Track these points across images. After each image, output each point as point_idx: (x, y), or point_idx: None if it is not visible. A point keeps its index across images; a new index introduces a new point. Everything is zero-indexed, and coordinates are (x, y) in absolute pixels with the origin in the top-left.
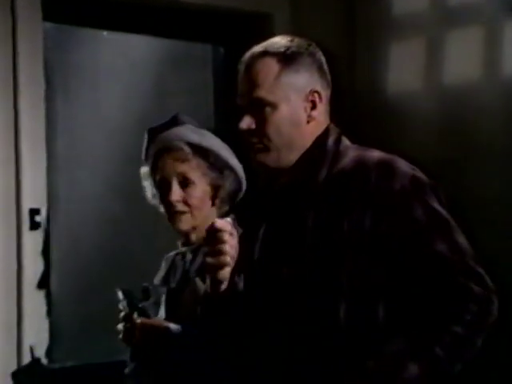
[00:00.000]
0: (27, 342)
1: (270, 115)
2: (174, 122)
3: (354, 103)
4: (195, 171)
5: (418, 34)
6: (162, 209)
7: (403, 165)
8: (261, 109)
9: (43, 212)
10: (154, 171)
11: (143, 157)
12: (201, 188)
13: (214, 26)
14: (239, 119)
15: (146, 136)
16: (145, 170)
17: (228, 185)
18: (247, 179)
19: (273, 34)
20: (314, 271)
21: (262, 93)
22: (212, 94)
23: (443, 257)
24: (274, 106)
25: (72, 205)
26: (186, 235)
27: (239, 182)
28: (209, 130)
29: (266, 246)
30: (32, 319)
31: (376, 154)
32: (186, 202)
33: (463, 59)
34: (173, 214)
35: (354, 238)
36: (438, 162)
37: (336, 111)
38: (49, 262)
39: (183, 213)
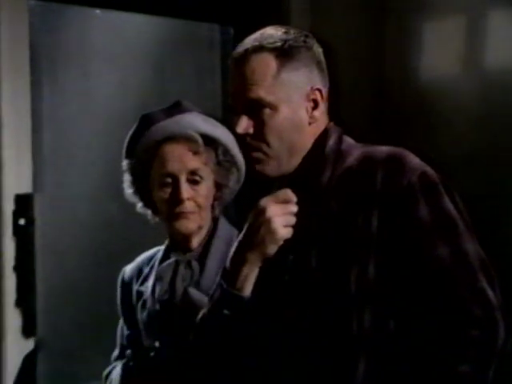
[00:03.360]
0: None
1: (270, 118)
2: (177, 107)
3: (383, 93)
4: (206, 167)
5: (456, 13)
6: (142, 206)
7: (413, 160)
8: (259, 111)
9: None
10: (148, 164)
11: (128, 145)
12: (208, 186)
13: (222, 3)
14: (234, 121)
15: (139, 122)
16: (131, 161)
17: (232, 185)
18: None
19: (289, 14)
20: (320, 279)
21: (261, 93)
22: (220, 81)
23: (442, 264)
24: (273, 108)
25: (61, 206)
26: (186, 239)
27: (239, 183)
28: (217, 121)
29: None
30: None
31: (384, 149)
32: (195, 201)
33: (507, 40)
34: (178, 214)
35: (361, 242)
36: (478, 155)
37: (361, 103)
38: (33, 271)
39: (192, 213)
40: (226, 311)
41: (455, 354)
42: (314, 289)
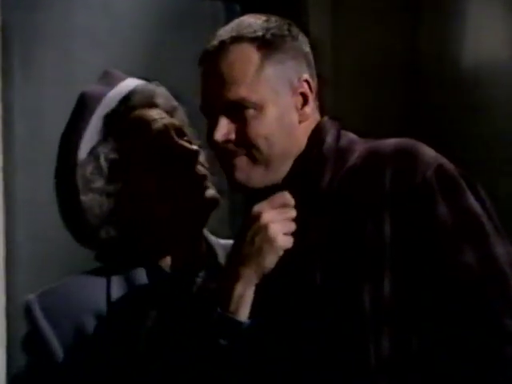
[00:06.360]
0: None
1: (255, 119)
2: (112, 76)
3: (418, 81)
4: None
5: None
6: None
7: (426, 151)
8: (241, 112)
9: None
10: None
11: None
12: None
13: None
14: (209, 125)
15: (82, 101)
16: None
17: None
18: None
19: None
20: (327, 300)
21: (242, 91)
22: None
23: (469, 272)
24: (258, 108)
25: (35, 212)
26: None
27: None
28: None
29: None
30: None
31: (392, 142)
32: None
33: None
34: None
35: (372, 254)
36: None
37: (395, 96)
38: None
39: None
40: (221, 341)
41: (488, 374)
42: (321, 312)
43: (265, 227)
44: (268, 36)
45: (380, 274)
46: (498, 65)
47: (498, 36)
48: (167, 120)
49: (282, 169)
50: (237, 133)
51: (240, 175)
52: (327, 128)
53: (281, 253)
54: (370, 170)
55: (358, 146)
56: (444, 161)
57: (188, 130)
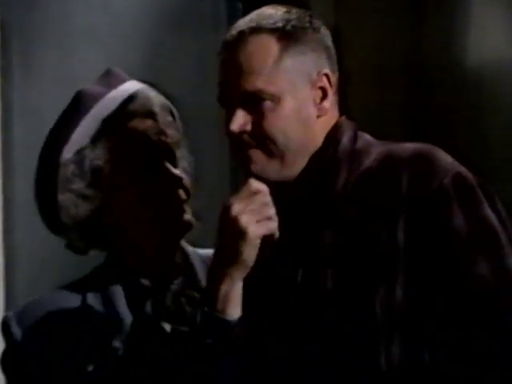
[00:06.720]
0: None
1: (272, 111)
2: (113, 76)
3: (421, 80)
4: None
5: None
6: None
7: (444, 158)
8: (258, 104)
9: None
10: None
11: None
12: None
13: None
14: (226, 118)
15: (77, 99)
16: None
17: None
18: None
19: None
20: (337, 304)
21: (260, 83)
22: None
23: (482, 283)
24: (276, 100)
25: (34, 213)
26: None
27: None
28: (222, 112)
29: (269, 277)
30: None
31: (409, 147)
32: None
33: None
34: None
35: (385, 259)
36: None
37: (394, 93)
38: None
39: None
40: (208, 340)
41: None
42: (330, 316)
43: (234, 220)
44: (288, 27)
45: (392, 279)
46: (501, 64)
47: (501, 36)
48: (159, 137)
49: (297, 165)
50: (253, 124)
51: (255, 168)
52: (344, 128)
53: (256, 242)
54: (386, 173)
55: (375, 148)
56: (462, 169)
57: (181, 146)
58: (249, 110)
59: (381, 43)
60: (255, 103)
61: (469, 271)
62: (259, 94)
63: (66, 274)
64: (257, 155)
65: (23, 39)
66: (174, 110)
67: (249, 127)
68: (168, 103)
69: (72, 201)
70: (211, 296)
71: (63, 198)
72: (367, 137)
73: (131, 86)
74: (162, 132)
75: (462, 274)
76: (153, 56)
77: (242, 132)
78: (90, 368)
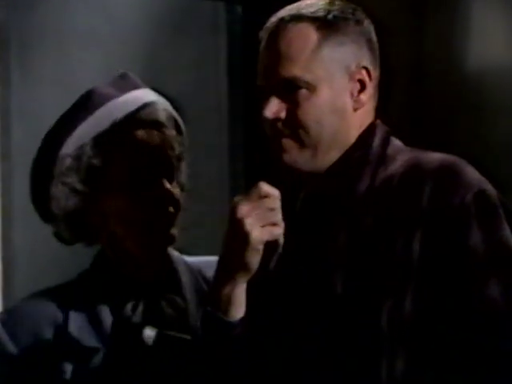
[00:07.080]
0: None
1: (307, 100)
2: (127, 80)
3: (422, 83)
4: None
5: None
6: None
7: (471, 173)
8: (294, 91)
9: None
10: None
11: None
12: None
13: None
14: (261, 104)
15: (86, 97)
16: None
17: None
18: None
19: None
20: (345, 310)
21: (297, 70)
22: (225, 68)
23: (491, 306)
24: (312, 88)
25: (34, 214)
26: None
27: None
28: (222, 117)
29: (281, 273)
30: None
31: (437, 157)
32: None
33: None
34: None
35: (398, 270)
36: None
37: (398, 96)
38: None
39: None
40: (208, 339)
41: None
42: (335, 321)
43: (239, 222)
44: (329, 17)
45: (402, 291)
46: (502, 67)
47: (502, 38)
48: (161, 149)
49: (329, 156)
50: (288, 112)
51: (287, 157)
52: (377, 130)
53: (259, 247)
54: (410, 183)
55: (402, 154)
56: (487, 186)
57: (181, 159)
58: (285, 97)
59: (382, 45)
60: (291, 91)
61: (480, 292)
62: (295, 81)
63: (65, 275)
64: (289, 144)
65: (22, 41)
66: (182, 124)
67: (283, 115)
68: (176, 116)
69: (64, 193)
70: (214, 297)
71: (56, 189)
72: (398, 143)
73: (143, 94)
74: (165, 145)
75: (473, 293)
76: (152, 59)
77: (277, 119)
78: (71, 374)
